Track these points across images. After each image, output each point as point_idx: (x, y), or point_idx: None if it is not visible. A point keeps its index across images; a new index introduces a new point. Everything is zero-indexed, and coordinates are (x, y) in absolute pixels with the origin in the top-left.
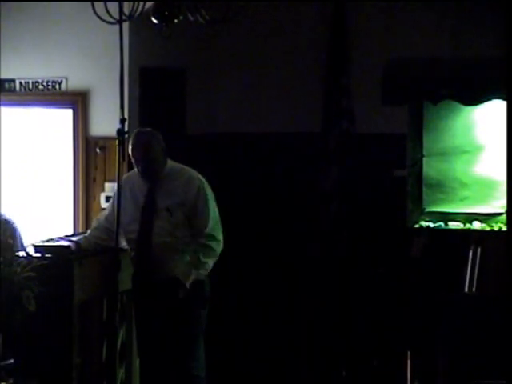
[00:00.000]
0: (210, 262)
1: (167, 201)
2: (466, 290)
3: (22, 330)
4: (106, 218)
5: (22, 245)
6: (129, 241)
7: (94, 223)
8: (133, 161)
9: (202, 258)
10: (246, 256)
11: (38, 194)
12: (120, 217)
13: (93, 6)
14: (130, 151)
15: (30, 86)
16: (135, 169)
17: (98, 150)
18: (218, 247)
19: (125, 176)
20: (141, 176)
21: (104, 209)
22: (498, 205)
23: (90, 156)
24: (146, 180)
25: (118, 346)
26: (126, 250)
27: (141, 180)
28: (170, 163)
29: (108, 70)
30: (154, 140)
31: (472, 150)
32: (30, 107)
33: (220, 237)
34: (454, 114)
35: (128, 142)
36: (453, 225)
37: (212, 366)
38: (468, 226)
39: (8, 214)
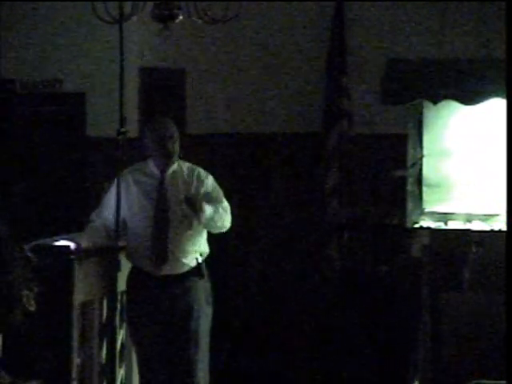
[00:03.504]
0: (226, 219)
1: (183, 192)
2: (466, 290)
3: (21, 330)
4: (101, 215)
5: None
6: (136, 235)
7: (90, 222)
8: (152, 144)
9: (221, 210)
10: (245, 256)
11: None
12: (124, 211)
13: (93, 5)
14: (150, 133)
15: (30, 86)
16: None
17: (97, 150)
18: (229, 217)
19: (126, 170)
20: (162, 155)
21: None
22: (498, 205)
23: (90, 156)
24: (164, 159)
25: (118, 346)
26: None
27: (149, 173)
28: (177, 159)
29: (107, 69)
30: (174, 125)
31: (472, 150)
32: (29, 107)
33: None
34: (453, 114)
35: (128, 142)
36: (453, 225)
37: (213, 368)
38: (468, 225)
39: None
